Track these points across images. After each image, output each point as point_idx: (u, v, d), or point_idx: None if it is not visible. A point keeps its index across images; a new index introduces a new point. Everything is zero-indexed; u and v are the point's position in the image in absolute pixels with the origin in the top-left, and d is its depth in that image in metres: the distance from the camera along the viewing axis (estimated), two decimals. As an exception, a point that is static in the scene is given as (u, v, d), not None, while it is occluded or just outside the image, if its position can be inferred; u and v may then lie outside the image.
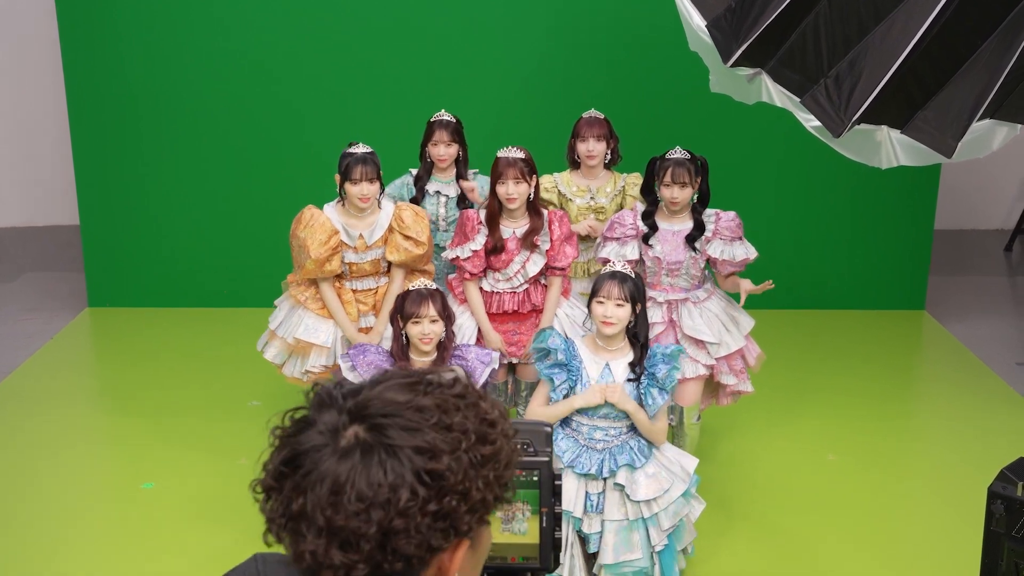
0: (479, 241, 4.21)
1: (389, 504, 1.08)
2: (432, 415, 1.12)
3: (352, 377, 3.67)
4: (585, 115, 4.61)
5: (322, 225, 4.17)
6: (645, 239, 4.19)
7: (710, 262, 4.23)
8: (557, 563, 1.52)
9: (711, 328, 4.19)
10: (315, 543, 1.09)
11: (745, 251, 4.18)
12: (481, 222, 4.24)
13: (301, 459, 1.12)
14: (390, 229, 4.25)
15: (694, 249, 4.16)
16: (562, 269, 4.26)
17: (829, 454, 4.85)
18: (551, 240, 4.22)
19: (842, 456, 4.83)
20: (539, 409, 3.49)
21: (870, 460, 4.81)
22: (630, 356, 3.49)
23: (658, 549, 3.41)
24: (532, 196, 4.19)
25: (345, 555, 1.09)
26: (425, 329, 3.61)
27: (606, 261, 4.15)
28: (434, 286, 3.72)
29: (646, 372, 3.44)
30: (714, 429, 4.94)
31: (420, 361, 3.67)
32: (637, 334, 3.48)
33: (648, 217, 4.20)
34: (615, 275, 3.46)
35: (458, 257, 4.23)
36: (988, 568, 2.60)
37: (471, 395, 1.17)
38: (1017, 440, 4.82)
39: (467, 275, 4.24)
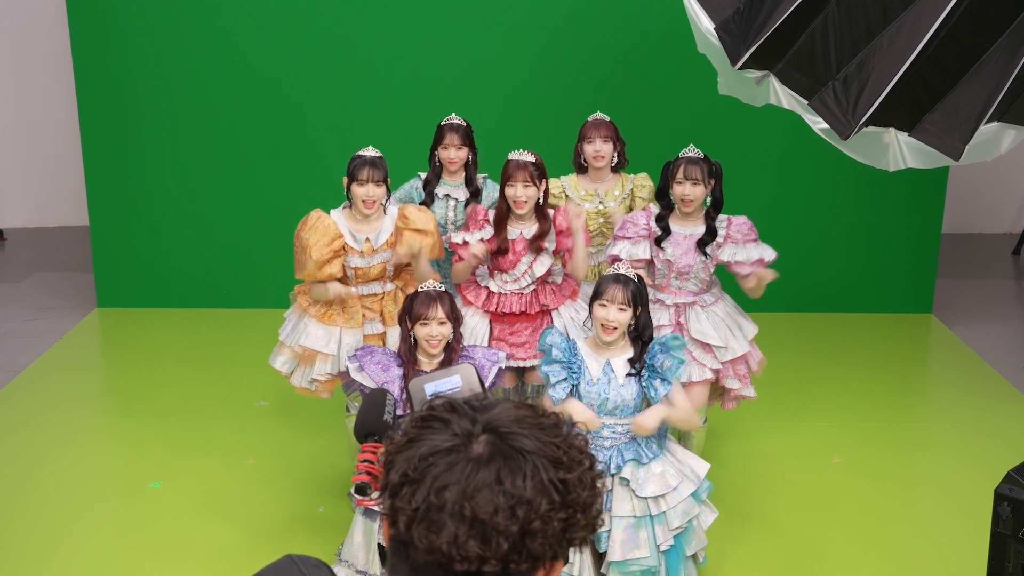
0: (476, 236, 4.23)
1: (531, 505, 1.14)
2: (556, 434, 1.21)
3: (360, 378, 3.66)
4: (591, 118, 4.63)
5: (327, 228, 4.17)
6: (658, 242, 4.19)
7: (726, 267, 4.23)
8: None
9: (718, 332, 4.20)
10: (454, 534, 1.13)
11: (760, 251, 4.18)
12: (488, 220, 4.25)
13: (441, 456, 1.18)
14: (397, 229, 4.25)
15: (704, 254, 4.17)
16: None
17: (835, 456, 4.85)
18: (556, 234, 4.23)
19: (848, 459, 4.83)
20: None
21: (877, 463, 4.81)
22: (630, 352, 3.50)
23: (664, 548, 3.40)
24: (541, 201, 4.21)
25: (482, 549, 1.13)
26: (432, 331, 3.60)
27: (616, 259, 4.16)
28: (442, 288, 3.71)
29: (646, 365, 3.45)
30: (720, 431, 4.94)
31: (427, 363, 3.66)
32: (640, 334, 3.48)
33: (662, 220, 4.21)
34: (619, 278, 3.44)
35: (452, 240, 4.27)
36: (994, 570, 2.60)
37: (574, 430, 1.26)
38: (1024, 444, 4.83)
39: (456, 259, 4.28)
